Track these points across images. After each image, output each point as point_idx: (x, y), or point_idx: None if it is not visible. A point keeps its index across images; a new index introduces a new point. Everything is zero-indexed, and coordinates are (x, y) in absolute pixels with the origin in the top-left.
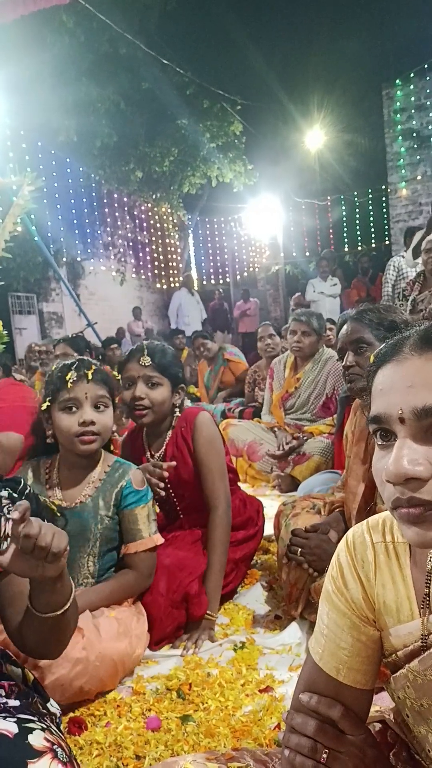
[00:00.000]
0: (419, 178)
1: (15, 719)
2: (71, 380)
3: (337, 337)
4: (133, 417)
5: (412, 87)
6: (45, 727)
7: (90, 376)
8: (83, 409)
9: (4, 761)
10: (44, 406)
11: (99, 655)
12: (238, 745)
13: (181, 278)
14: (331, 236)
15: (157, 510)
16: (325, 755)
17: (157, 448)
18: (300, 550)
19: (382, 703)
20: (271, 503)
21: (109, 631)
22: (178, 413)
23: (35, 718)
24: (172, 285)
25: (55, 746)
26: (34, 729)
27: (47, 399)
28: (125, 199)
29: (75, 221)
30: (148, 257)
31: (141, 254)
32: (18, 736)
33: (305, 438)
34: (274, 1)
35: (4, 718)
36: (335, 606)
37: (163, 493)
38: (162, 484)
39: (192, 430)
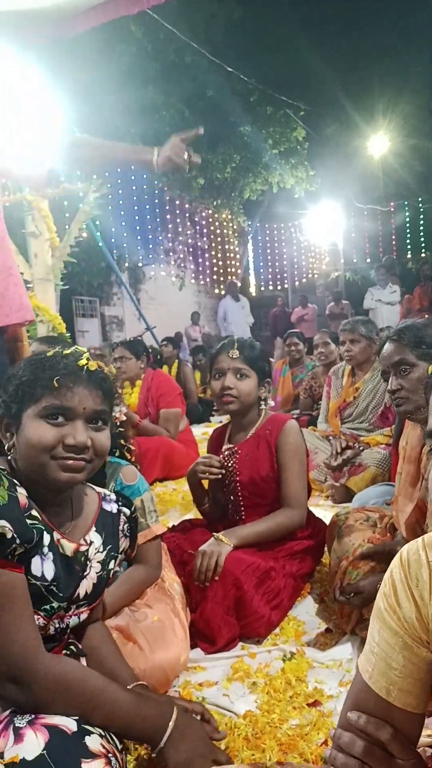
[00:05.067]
0: None
1: (76, 719)
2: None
3: (378, 357)
4: (221, 405)
5: None
6: (103, 734)
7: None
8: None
9: (59, 755)
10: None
11: (152, 666)
12: (283, 759)
13: (232, 284)
14: (394, 242)
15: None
16: None
17: (236, 442)
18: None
19: None
20: (324, 514)
21: (158, 638)
22: (263, 407)
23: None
24: None
25: (110, 754)
26: (92, 732)
27: None
28: (187, 206)
29: (138, 227)
30: (207, 263)
31: (200, 260)
32: (76, 735)
33: (361, 448)
34: (340, 7)
35: (68, 715)
36: (387, 624)
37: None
38: (216, 473)
39: (278, 436)
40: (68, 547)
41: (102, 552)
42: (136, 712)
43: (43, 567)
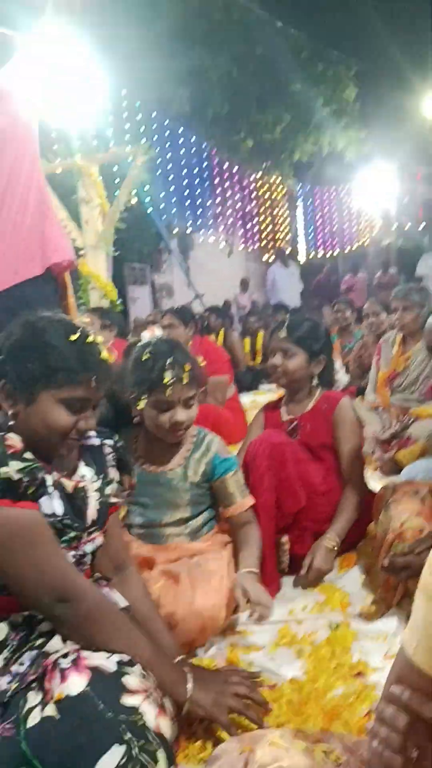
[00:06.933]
0: None
1: (117, 660)
2: (169, 383)
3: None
4: (273, 380)
5: None
6: (142, 673)
7: (185, 379)
8: (176, 409)
9: (101, 690)
10: (141, 405)
11: (189, 611)
12: (327, 728)
13: (281, 250)
14: None
15: None
16: (415, 753)
17: (294, 413)
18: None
19: None
20: (371, 486)
21: (203, 581)
22: (316, 382)
23: (134, 665)
24: None
25: (149, 691)
26: (131, 671)
27: (143, 396)
28: (235, 170)
29: (186, 193)
30: (255, 228)
31: (249, 225)
32: (116, 674)
33: (411, 420)
34: None
35: (107, 657)
36: None
37: None
38: None
39: (334, 412)
40: (68, 485)
41: (96, 482)
42: (160, 660)
43: (53, 504)
